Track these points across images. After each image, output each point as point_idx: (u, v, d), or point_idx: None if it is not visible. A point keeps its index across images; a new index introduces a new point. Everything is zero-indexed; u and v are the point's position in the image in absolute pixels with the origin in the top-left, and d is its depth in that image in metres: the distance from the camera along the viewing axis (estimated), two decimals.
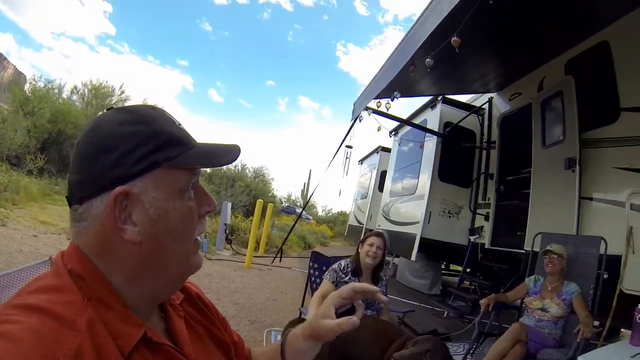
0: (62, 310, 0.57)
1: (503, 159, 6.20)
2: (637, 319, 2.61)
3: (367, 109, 5.97)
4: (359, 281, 2.78)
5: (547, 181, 4.80)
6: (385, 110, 5.76)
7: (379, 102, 5.54)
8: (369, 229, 10.63)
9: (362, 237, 3.06)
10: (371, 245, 2.86)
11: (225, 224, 8.97)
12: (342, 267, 2.87)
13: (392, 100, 5.27)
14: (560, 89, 4.73)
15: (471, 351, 3.25)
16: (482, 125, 6.87)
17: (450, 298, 6.45)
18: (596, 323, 3.20)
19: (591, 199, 4.20)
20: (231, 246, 9.20)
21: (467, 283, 6.52)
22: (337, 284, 2.79)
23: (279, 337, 3.76)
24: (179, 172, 0.71)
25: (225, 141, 0.80)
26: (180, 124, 0.76)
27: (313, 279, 3.28)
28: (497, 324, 3.42)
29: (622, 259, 3.61)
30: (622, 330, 4.59)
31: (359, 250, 2.92)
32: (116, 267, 0.67)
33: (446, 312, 6.00)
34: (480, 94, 6.92)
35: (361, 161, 14.18)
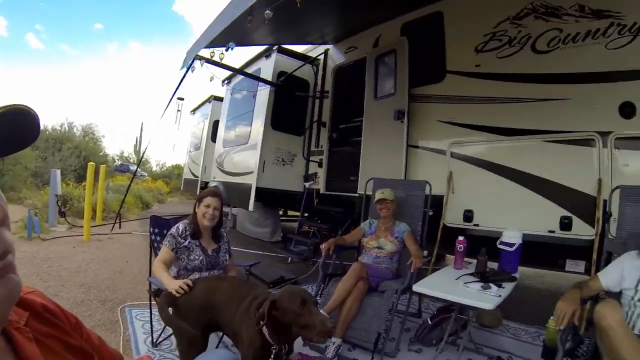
0: None
1: (336, 108, 6.52)
2: (458, 248, 3.22)
3: (200, 58, 5.59)
4: (200, 243, 2.72)
5: (378, 130, 5.27)
6: (218, 60, 5.48)
7: (213, 51, 5.20)
8: (204, 181, 10.25)
9: (198, 193, 2.89)
10: (207, 206, 2.72)
11: (56, 195, 7.44)
12: (180, 232, 2.69)
13: (226, 50, 5.01)
14: (395, 47, 5.18)
15: (319, 292, 3.40)
16: (316, 75, 7.08)
17: (291, 243, 6.62)
18: (425, 252, 3.58)
19: (417, 147, 4.85)
20: (66, 219, 7.69)
21: (306, 227, 6.85)
22: (176, 250, 2.65)
23: (134, 313, 3.46)
24: None
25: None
26: None
27: (156, 244, 3.02)
28: (339, 262, 3.63)
29: (444, 199, 4.37)
30: (447, 255, 5.63)
31: (196, 211, 2.77)
32: None
33: (290, 257, 6.23)
34: (317, 45, 7.05)
35: (193, 111, 13.30)
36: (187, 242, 2.68)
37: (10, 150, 0.66)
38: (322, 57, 6.97)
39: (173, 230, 2.72)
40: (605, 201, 3.32)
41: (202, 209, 2.72)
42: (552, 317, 2.17)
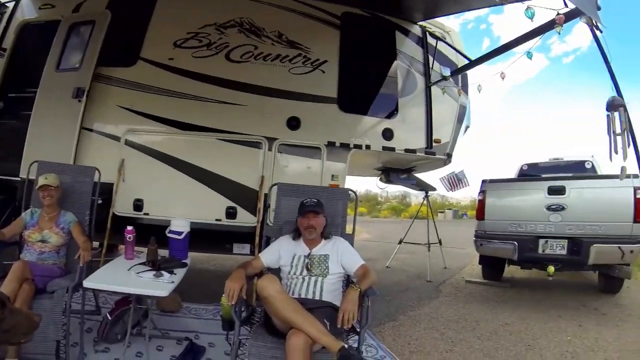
0: None
1: (10, 71, 5.17)
2: (127, 237, 3.09)
3: None
4: None
5: (53, 106, 4.57)
6: None
7: None
8: None
9: None
10: None
11: None
12: None
13: None
14: (95, 19, 4.63)
15: None
16: None
17: None
18: (97, 244, 3.57)
19: (92, 130, 4.45)
20: None
21: None
22: None
23: None
24: None
25: None
26: None
27: None
28: None
29: (114, 187, 4.19)
30: (119, 245, 5.28)
31: None
32: None
33: None
34: None
35: None
36: None
37: None
38: (11, 5, 5.58)
39: None
40: (265, 195, 3.95)
41: None
42: (223, 295, 2.37)
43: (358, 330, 2.37)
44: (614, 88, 3.33)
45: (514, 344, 3.79)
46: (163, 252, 3.18)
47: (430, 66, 5.25)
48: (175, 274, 2.75)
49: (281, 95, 4.48)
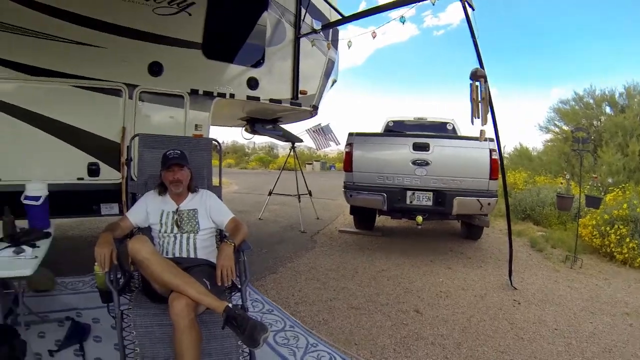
0: None
1: None
2: None
3: None
4: None
5: None
6: None
7: None
8: None
9: None
10: None
11: None
12: None
13: None
14: None
15: None
16: None
17: None
18: None
19: None
20: None
21: None
22: None
23: None
24: None
25: None
26: None
27: None
28: None
29: None
30: None
31: None
32: None
33: None
34: None
35: None
36: None
37: None
38: None
39: None
40: (128, 147, 3.64)
41: None
42: (95, 263, 2.12)
43: (239, 286, 2.36)
44: (477, 61, 3.90)
45: (393, 288, 4.12)
46: (22, 223, 2.79)
47: (302, 18, 5.36)
48: (38, 246, 2.42)
49: (143, 37, 4.12)
